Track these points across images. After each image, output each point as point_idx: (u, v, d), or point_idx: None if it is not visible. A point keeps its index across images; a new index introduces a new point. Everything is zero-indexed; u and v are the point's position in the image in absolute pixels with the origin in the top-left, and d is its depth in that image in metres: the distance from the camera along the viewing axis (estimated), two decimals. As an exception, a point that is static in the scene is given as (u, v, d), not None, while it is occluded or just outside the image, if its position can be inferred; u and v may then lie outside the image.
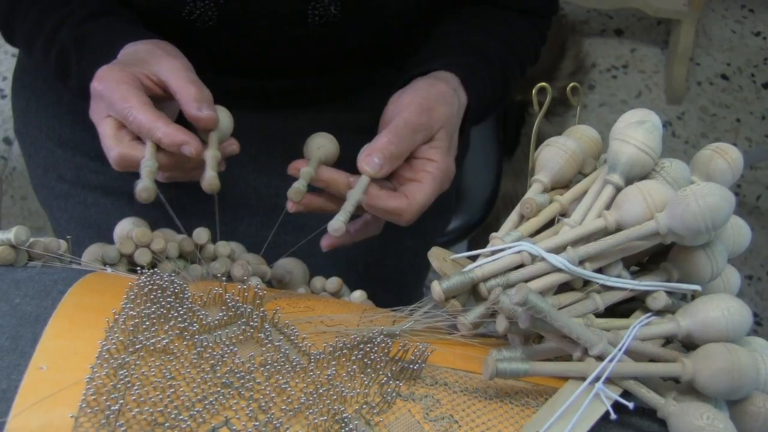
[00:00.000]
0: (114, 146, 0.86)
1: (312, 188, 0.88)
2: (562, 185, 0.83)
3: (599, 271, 0.75)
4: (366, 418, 0.66)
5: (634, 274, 0.79)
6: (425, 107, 0.90)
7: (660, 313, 0.77)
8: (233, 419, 0.63)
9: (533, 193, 0.81)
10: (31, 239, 0.78)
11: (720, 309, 0.72)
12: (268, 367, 0.67)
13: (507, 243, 0.76)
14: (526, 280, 0.74)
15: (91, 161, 1.17)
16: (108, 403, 0.62)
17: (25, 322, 0.68)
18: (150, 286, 0.71)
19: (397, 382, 0.69)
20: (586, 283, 0.76)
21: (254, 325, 0.70)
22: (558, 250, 0.75)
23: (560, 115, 2.34)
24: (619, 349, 0.69)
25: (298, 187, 0.85)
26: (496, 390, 0.71)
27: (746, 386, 0.68)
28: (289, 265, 0.95)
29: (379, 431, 0.65)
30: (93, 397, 0.62)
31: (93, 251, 0.86)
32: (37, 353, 0.65)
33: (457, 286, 0.75)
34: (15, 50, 1.31)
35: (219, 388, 0.65)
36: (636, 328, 0.72)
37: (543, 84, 0.87)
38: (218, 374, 0.66)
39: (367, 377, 0.68)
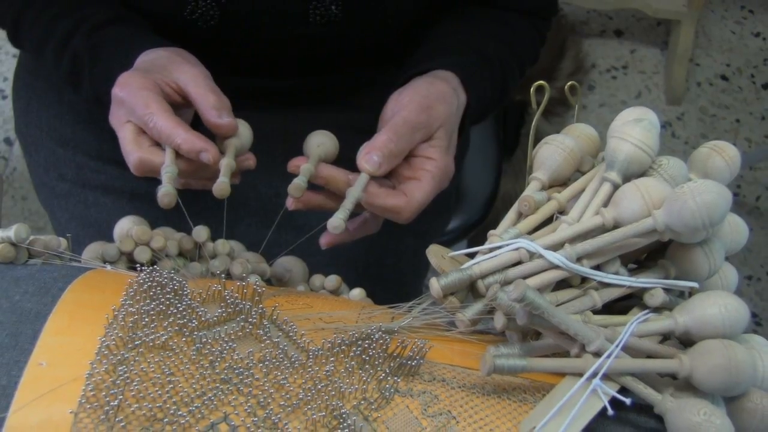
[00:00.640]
0: (134, 151, 0.86)
1: (312, 186, 0.88)
2: (560, 183, 0.84)
3: (597, 268, 0.76)
4: (364, 414, 0.66)
5: (632, 272, 0.79)
6: (425, 106, 0.90)
7: (658, 310, 0.77)
8: (232, 415, 0.64)
9: (531, 190, 0.81)
10: (31, 237, 0.78)
11: (717, 306, 0.72)
12: (266, 363, 0.67)
13: (505, 240, 0.77)
14: (524, 277, 0.75)
15: (91, 160, 1.17)
16: (107, 399, 0.62)
17: (24, 318, 0.68)
18: (149, 283, 0.71)
19: (396, 378, 0.69)
20: (584, 280, 0.77)
21: (253, 322, 0.71)
22: (556, 247, 0.75)
23: (560, 116, 2.34)
24: (617, 346, 0.69)
25: (298, 183, 0.85)
26: (494, 386, 0.71)
27: (743, 382, 0.68)
28: (289, 264, 0.96)
29: (377, 427, 0.66)
30: (92, 393, 0.63)
31: (93, 249, 0.86)
32: (37, 350, 0.66)
33: (455, 283, 0.75)
34: (16, 51, 1.31)
35: (218, 384, 0.65)
36: (633, 324, 0.72)
37: (541, 82, 0.87)
38: (217, 370, 0.66)
39: (366, 373, 0.69)
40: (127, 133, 0.87)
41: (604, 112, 2.54)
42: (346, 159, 0.91)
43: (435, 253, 0.80)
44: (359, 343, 0.70)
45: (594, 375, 0.68)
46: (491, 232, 0.79)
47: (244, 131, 0.90)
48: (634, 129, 0.76)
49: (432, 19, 1.11)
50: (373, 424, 0.66)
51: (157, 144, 0.86)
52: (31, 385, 0.63)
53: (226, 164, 0.85)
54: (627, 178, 0.77)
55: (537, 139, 0.86)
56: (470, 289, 0.77)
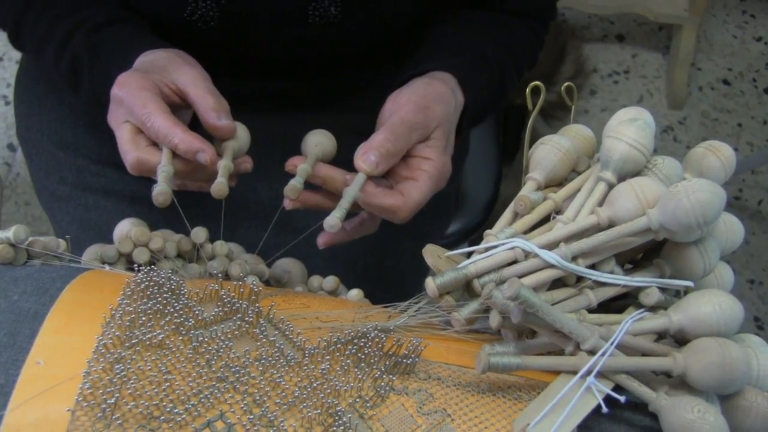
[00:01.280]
0: (131, 150, 0.86)
1: (309, 186, 0.89)
2: (556, 183, 0.84)
3: (592, 267, 0.76)
4: (359, 412, 0.66)
5: (628, 271, 0.79)
6: (422, 106, 0.91)
7: (653, 309, 0.77)
8: (228, 413, 0.64)
9: (527, 190, 0.82)
10: (30, 238, 0.79)
11: (711, 304, 0.72)
12: (263, 361, 0.68)
13: (501, 239, 0.77)
14: (520, 276, 0.75)
15: (92, 164, 1.17)
16: (104, 397, 0.62)
17: (23, 318, 0.69)
18: (147, 283, 0.72)
19: (391, 376, 0.69)
20: (580, 279, 0.77)
21: (249, 321, 0.71)
22: (551, 246, 0.75)
23: (560, 119, 2.34)
24: (611, 344, 0.69)
25: (295, 184, 0.86)
26: (489, 384, 0.71)
27: (737, 380, 0.68)
28: (288, 266, 0.96)
29: (372, 425, 0.66)
30: (89, 391, 0.63)
31: (93, 251, 0.86)
32: (35, 348, 0.66)
33: (450, 282, 0.75)
34: (19, 57, 1.32)
35: (214, 382, 0.65)
36: (628, 323, 0.73)
37: (536, 83, 0.88)
38: (213, 369, 0.66)
39: (361, 371, 0.69)
40: (124, 132, 0.87)
41: (606, 117, 2.52)
42: (345, 161, 0.91)
43: (431, 253, 0.80)
44: (355, 341, 0.71)
45: (588, 373, 0.68)
46: (487, 231, 0.79)
47: (242, 134, 0.90)
48: (629, 129, 0.77)
49: (430, 21, 1.11)
50: (368, 421, 0.66)
51: (155, 144, 0.87)
52: (28, 383, 0.64)
53: (224, 165, 0.86)
54: (622, 178, 0.77)
55: (534, 140, 0.86)
56: (466, 289, 0.77)
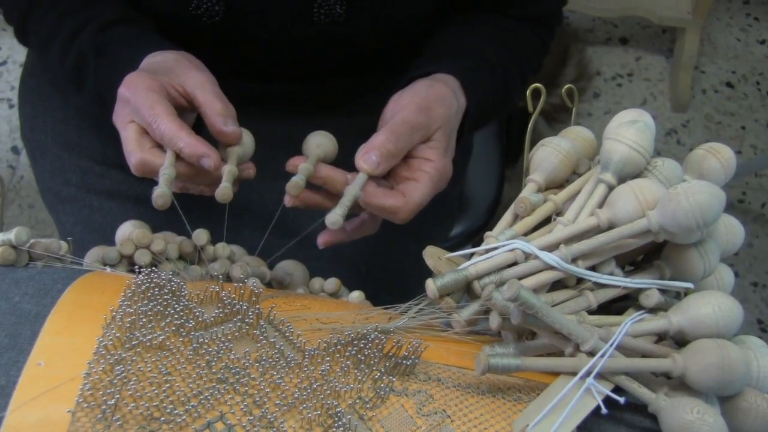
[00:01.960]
0: (135, 151, 0.87)
1: (310, 186, 0.89)
2: (556, 185, 0.84)
3: (592, 269, 0.76)
4: (359, 413, 0.67)
5: (628, 273, 0.79)
6: (423, 107, 0.91)
7: (653, 311, 0.77)
8: (228, 414, 0.64)
9: (527, 192, 0.82)
10: (32, 240, 0.79)
11: (711, 305, 0.72)
12: (263, 363, 0.68)
13: (501, 241, 0.77)
14: (520, 278, 0.75)
15: (96, 165, 1.18)
16: (104, 398, 0.63)
17: (24, 319, 0.69)
18: (147, 284, 0.72)
19: (391, 377, 0.69)
20: (580, 280, 0.77)
21: (250, 322, 0.71)
22: (551, 248, 0.75)
23: (563, 122, 2.34)
24: (611, 345, 0.69)
25: (296, 181, 0.86)
26: (489, 385, 0.71)
27: (737, 381, 0.69)
28: (290, 268, 0.96)
29: (372, 426, 0.66)
30: (90, 393, 0.63)
31: (95, 253, 0.86)
32: (36, 350, 0.66)
33: (451, 284, 0.76)
34: (23, 60, 1.32)
35: (214, 384, 0.66)
36: (628, 324, 0.73)
37: (537, 85, 0.88)
38: (214, 370, 0.67)
39: (361, 373, 0.69)
40: (130, 132, 0.87)
41: (609, 120, 2.54)
42: (349, 164, 0.91)
43: (432, 255, 0.80)
44: (355, 343, 0.71)
45: (588, 374, 0.68)
46: (487, 233, 0.79)
47: (247, 140, 0.91)
48: (629, 130, 0.77)
49: (436, 23, 1.12)
50: (368, 423, 0.66)
51: (159, 146, 0.87)
52: (29, 384, 0.64)
53: (228, 170, 0.86)
54: (622, 180, 0.77)
55: (534, 142, 0.86)
56: (466, 290, 0.78)
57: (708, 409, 0.66)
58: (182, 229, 0.90)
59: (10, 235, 0.77)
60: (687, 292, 0.77)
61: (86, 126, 1.19)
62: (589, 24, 2.73)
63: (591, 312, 0.76)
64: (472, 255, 0.79)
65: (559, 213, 0.81)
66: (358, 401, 0.67)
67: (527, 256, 0.75)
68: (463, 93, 0.99)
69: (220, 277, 0.78)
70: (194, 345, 0.68)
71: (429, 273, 1.29)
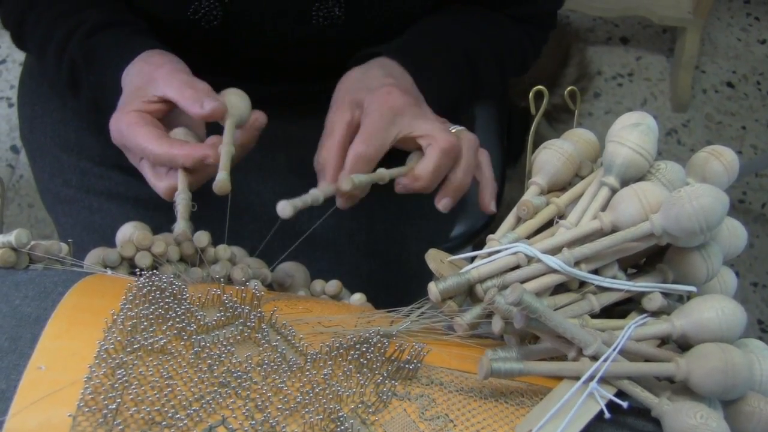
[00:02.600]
0: (157, 183, 0.89)
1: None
2: (559, 188, 0.84)
3: (595, 272, 0.76)
4: (362, 417, 0.66)
5: (631, 276, 0.79)
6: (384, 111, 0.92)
7: (656, 314, 0.77)
8: (230, 418, 0.64)
9: (530, 195, 0.82)
10: (32, 242, 0.79)
11: (714, 309, 0.72)
12: (265, 366, 0.68)
13: (503, 244, 0.77)
14: (522, 281, 0.75)
15: (95, 166, 1.17)
16: (106, 403, 0.62)
17: (24, 323, 0.69)
18: (149, 287, 0.72)
19: (393, 381, 0.69)
20: (582, 284, 0.77)
21: (251, 326, 0.71)
22: (554, 251, 0.75)
23: (564, 123, 2.34)
24: (614, 349, 0.69)
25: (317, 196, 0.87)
26: (492, 390, 0.71)
27: (740, 386, 0.68)
28: (291, 269, 0.96)
29: (374, 430, 0.66)
30: (91, 397, 0.63)
31: (95, 255, 0.86)
32: (36, 353, 0.66)
33: (453, 287, 0.75)
34: (22, 59, 1.32)
35: (216, 388, 0.65)
36: (631, 328, 0.72)
37: (539, 87, 0.88)
38: (215, 374, 0.66)
39: (363, 377, 0.69)
40: (144, 169, 0.90)
41: (610, 120, 2.53)
42: None
43: (434, 258, 0.80)
44: (357, 346, 0.71)
45: (591, 378, 0.68)
46: (490, 236, 0.79)
47: (237, 101, 0.91)
48: (632, 133, 0.77)
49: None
50: (370, 427, 0.66)
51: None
52: (30, 388, 0.64)
53: (224, 152, 0.86)
54: (625, 183, 0.77)
55: (537, 144, 0.86)
56: (469, 294, 0.77)
57: (711, 413, 0.66)
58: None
59: (11, 237, 0.77)
60: (690, 296, 0.77)
61: (85, 127, 1.19)
62: (589, 24, 2.73)
63: (594, 315, 0.76)
64: (474, 258, 0.78)
65: (561, 216, 0.80)
66: (360, 405, 0.67)
67: (530, 260, 0.75)
68: (403, 69, 0.99)
69: (222, 279, 0.77)
70: (196, 349, 0.68)
71: (430, 273, 1.29)
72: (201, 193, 0.90)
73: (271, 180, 1.16)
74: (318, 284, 0.92)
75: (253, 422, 0.64)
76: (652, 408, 0.69)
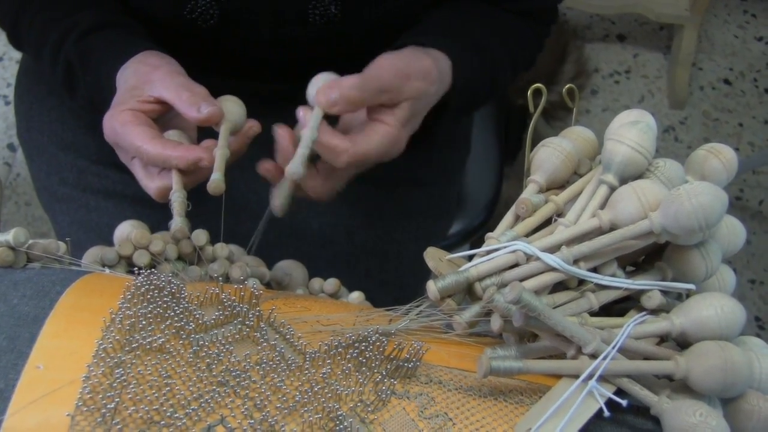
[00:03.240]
0: (148, 183, 0.88)
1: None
2: (557, 186, 0.84)
3: (594, 270, 0.76)
4: (361, 416, 0.66)
5: (630, 274, 0.79)
6: (403, 73, 0.90)
7: (655, 312, 0.77)
8: (229, 417, 0.64)
9: (529, 193, 0.82)
10: (30, 241, 0.78)
11: (713, 307, 0.72)
12: (263, 365, 0.68)
13: (502, 242, 0.77)
14: (521, 280, 0.75)
15: (92, 165, 1.17)
16: (104, 402, 0.62)
17: (22, 322, 0.69)
18: (147, 286, 0.72)
19: (392, 380, 0.69)
20: (581, 282, 0.77)
21: (250, 325, 0.71)
22: (553, 249, 0.75)
23: (562, 120, 2.34)
24: (613, 347, 0.69)
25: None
26: (491, 388, 0.71)
27: (739, 384, 0.68)
28: (289, 268, 0.96)
29: (373, 429, 0.66)
30: (89, 396, 0.63)
31: (93, 254, 0.86)
32: (34, 353, 0.66)
33: (452, 286, 0.75)
34: (19, 56, 1.32)
35: (215, 387, 0.65)
36: (630, 326, 0.72)
37: (538, 85, 0.87)
38: (214, 373, 0.66)
39: (362, 375, 0.69)
40: (136, 169, 0.89)
41: (608, 117, 2.54)
42: None
43: (432, 256, 0.80)
44: (356, 345, 0.71)
45: (590, 376, 0.68)
46: (489, 234, 0.79)
47: (233, 108, 0.90)
48: (631, 131, 0.77)
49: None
50: (369, 426, 0.66)
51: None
52: (28, 388, 0.63)
53: (219, 155, 0.86)
54: (624, 181, 0.77)
55: (535, 142, 0.86)
56: (468, 292, 0.77)
57: (711, 411, 0.66)
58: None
59: (8, 236, 0.77)
60: (689, 294, 0.77)
61: (82, 125, 1.19)
62: (586, 21, 2.73)
63: (593, 314, 0.76)
64: (473, 256, 0.78)
65: (560, 214, 0.80)
66: (359, 404, 0.67)
67: (529, 258, 0.75)
68: (451, 75, 0.98)
69: (220, 278, 0.77)
70: (194, 348, 0.68)
71: (427, 272, 1.30)
72: (198, 191, 0.89)
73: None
74: (316, 282, 0.92)
75: (252, 421, 0.63)
76: (652, 406, 0.69)
